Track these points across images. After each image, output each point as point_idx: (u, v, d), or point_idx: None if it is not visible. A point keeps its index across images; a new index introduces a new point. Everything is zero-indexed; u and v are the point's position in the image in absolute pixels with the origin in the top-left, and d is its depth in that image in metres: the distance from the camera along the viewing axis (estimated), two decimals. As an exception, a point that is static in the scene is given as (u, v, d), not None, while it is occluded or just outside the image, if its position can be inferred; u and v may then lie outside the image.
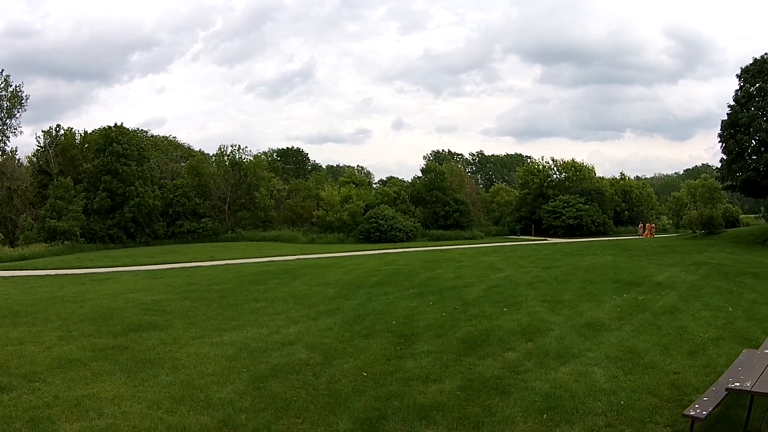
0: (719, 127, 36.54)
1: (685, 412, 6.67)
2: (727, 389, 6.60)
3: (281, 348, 11.53)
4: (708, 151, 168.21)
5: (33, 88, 72.55)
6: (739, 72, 36.51)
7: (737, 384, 6.63)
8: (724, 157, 36.24)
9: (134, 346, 11.80)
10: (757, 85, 34.52)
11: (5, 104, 51.87)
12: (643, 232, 50.71)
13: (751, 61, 36.02)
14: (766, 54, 35.31)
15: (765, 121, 33.43)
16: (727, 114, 35.64)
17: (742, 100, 34.96)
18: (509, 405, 8.06)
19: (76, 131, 55.18)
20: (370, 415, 7.72)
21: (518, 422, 7.43)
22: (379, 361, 10.39)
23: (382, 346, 11.47)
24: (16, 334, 12.90)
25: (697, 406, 6.77)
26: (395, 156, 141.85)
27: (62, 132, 54.38)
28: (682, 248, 32.30)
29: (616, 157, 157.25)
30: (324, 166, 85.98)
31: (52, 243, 45.00)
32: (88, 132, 55.23)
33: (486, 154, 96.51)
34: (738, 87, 36.19)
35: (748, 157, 34.78)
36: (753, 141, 33.99)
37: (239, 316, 14.90)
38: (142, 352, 11.28)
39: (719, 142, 36.37)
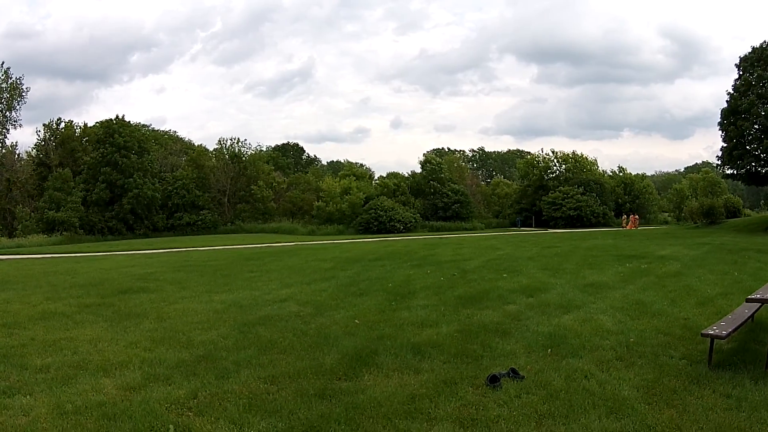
0: (719, 116, 36.19)
1: (704, 331, 6.28)
2: (748, 299, 6.20)
3: (272, 304, 11.16)
4: (707, 150, 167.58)
5: (34, 89, 72.65)
6: (737, 61, 36.16)
7: (758, 295, 6.24)
8: (725, 145, 35.85)
9: (121, 304, 11.45)
10: (756, 73, 34.17)
11: (5, 96, 51.54)
12: (627, 224, 48.94)
13: (749, 50, 35.70)
14: (764, 42, 34.97)
15: (765, 108, 33.08)
16: (727, 101, 35.43)
17: (741, 88, 34.76)
18: (510, 343, 7.66)
19: (76, 124, 54.89)
20: (361, 352, 7.31)
21: (520, 356, 7.01)
22: (372, 312, 10.00)
23: (376, 301, 11.08)
24: (3, 297, 12.54)
25: (715, 327, 6.39)
26: (394, 155, 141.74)
27: (62, 125, 54.11)
28: (684, 234, 32.01)
29: (615, 156, 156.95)
30: (324, 162, 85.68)
31: (51, 234, 44.62)
32: (89, 126, 54.91)
33: (487, 150, 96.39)
34: (737, 76, 35.89)
35: (748, 144, 34.42)
36: (754, 127, 33.64)
37: (232, 283, 14.53)
38: (129, 308, 10.94)
39: (719, 129, 36.07)
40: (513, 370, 6.22)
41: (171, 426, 4.94)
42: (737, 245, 21.96)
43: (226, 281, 14.87)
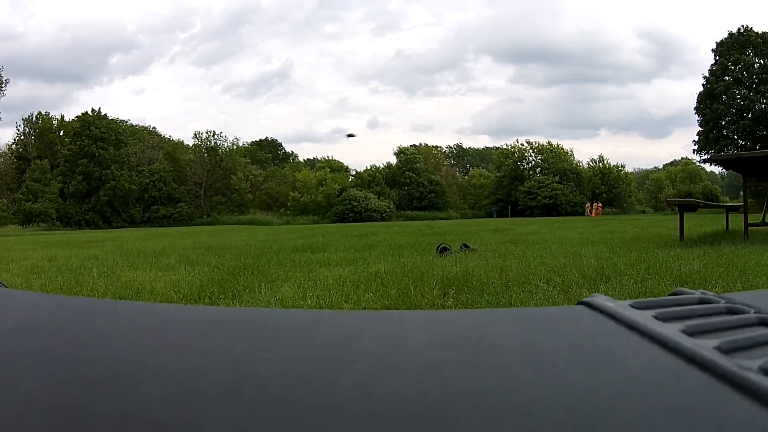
0: (696, 101, 36.57)
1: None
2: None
3: (237, 243, 10.98)
4: (686, 149, 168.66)
5: (15, 90, 71.13)
6: (714, 47, 36.60)
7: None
8: (701, 129, 36.20)
9: (83, 245, 11.28)
10: (733, 57, 34.59)
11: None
12: (591, 212, 46.82)
13: (726, 35, 36.14)
14: (741, 27, 35.39)
15: (741, 92, 33.53)
16: (703, 85, 35.72)
17: (717, 72, 35.09)
18: (471, 244, 7.54)
19: (54, 117, 54.52)
20: (312, 246, 7.16)
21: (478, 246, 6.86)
22: (331, 240, 9.83)
23: (337, 237, 10.98)
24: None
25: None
26: (372, 155, 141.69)
27: (41, 119, 53.76)
28: (657, 216, 32.33)
29: (593, 155, 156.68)
30: (302, 159, 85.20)
31: (27, 226, 44.08)
32: (67, 120, 54.44)
33: (464, 147, 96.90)
34: (713, 61, 36.24)
35: (724, 128, 34.82)
36: (730, 110, 34.05)
37: (198, 238, 14.35)
38: (90, 245, 10.78)
39: (695, 113, 36.38)
40: (464, 245, 6.10)
41: (94, 269, 4.76)
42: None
43: (193, 238, 14.71)
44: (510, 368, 0.31)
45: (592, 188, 55.98)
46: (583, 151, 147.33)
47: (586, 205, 49.02)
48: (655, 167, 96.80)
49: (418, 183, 55.11)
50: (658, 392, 0.27)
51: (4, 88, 50.10)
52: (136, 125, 64.79)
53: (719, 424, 0.24)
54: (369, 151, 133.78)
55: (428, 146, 72.33)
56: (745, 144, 34.33)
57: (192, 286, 3.79)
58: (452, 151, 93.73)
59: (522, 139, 74.32)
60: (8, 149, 53.79)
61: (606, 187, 56.84)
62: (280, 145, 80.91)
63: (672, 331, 0.35)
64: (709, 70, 36.18)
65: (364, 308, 3.04)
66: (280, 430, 0.24)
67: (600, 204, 47.62)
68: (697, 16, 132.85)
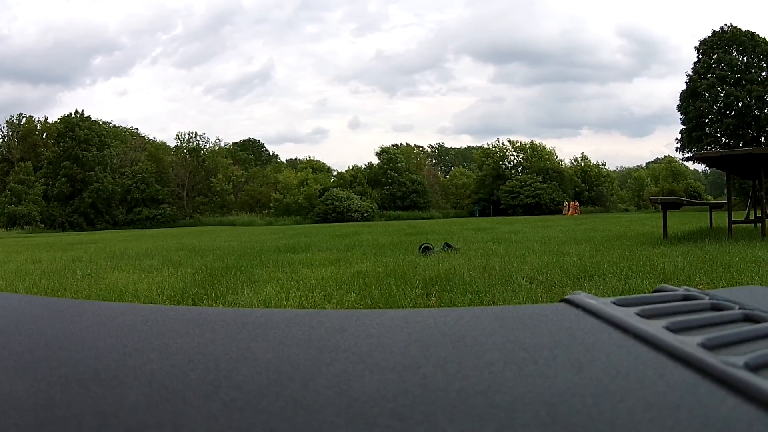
0: (678, 99, 36.81)
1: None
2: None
3: (220, 245, 10.92)
4: (669, 147, 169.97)
5: (0, 93, 70.60)
6: (697, 45, 36.86)
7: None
8: (683, 127, 36.45)
9: (67, 247, 11.16)
10: (716, 55, 34.89)
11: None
12: (568, 211, 46.32)
13: (710, 34, 36.43)
14: (724, 26, 35.69)
15: (725, 89, 33.86)
16: (686, 83, 35.96)
17: (700, 70, 35.33)
18: (455, 243, 7.55)
19: (37, 119, 54.01)
20: (294, 248, 7.14)
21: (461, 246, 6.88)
22: (315, 241, 9.81)
23: (321, 238, 10.94)
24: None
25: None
26: (353, 155, 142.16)
27: (24, 120, 53.25)
28: (641, 216, 32.58)
29: (575, 154, 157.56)
30: (284, 160, 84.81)
31: (11, 228, 43.62)
32: (50, 122, 53.96)
33: (446, 146, 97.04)
34: (696, 59, 36.50)
35: (707, 125, 35.10)
36: (714, 108, 34.34)
37: (180, 240, 14.28)
38: (74, 247, 10.68)
39: (678, 111, 36.61)
40: (447, 244, 6.12)
41: (78, 271, 4.71)
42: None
43: (176, 239, 14.65)
44: (491, 366, 0.31)
45: (573, 187, 56.16)
46: (566, 150, 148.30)
47: (564, 204, 49.01)
48: (637, 165, 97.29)
49: (400, 183, 55.11)
50: (642, 389, 0.27)
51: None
52: (119, 127, 64.29)
53: (704, 420, 0.24)
54: (350, 151, 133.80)
55: (410, 146, 72.31)
56: (729, 142, 34.58)
57: (175, 287, 3.78)
58: (434, 151, 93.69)
59: (503, 139, 74.29)
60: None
61: (586, 185, 57.04)
62: (263, 145, 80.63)
63: (655, 327, 0.35)
64: (692, 68, 36.37)
65: (347, 308, 3.04)
66: (258, 430, 0.24)
67: (577, 203, 47.63)
68: (677, 15, 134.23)
